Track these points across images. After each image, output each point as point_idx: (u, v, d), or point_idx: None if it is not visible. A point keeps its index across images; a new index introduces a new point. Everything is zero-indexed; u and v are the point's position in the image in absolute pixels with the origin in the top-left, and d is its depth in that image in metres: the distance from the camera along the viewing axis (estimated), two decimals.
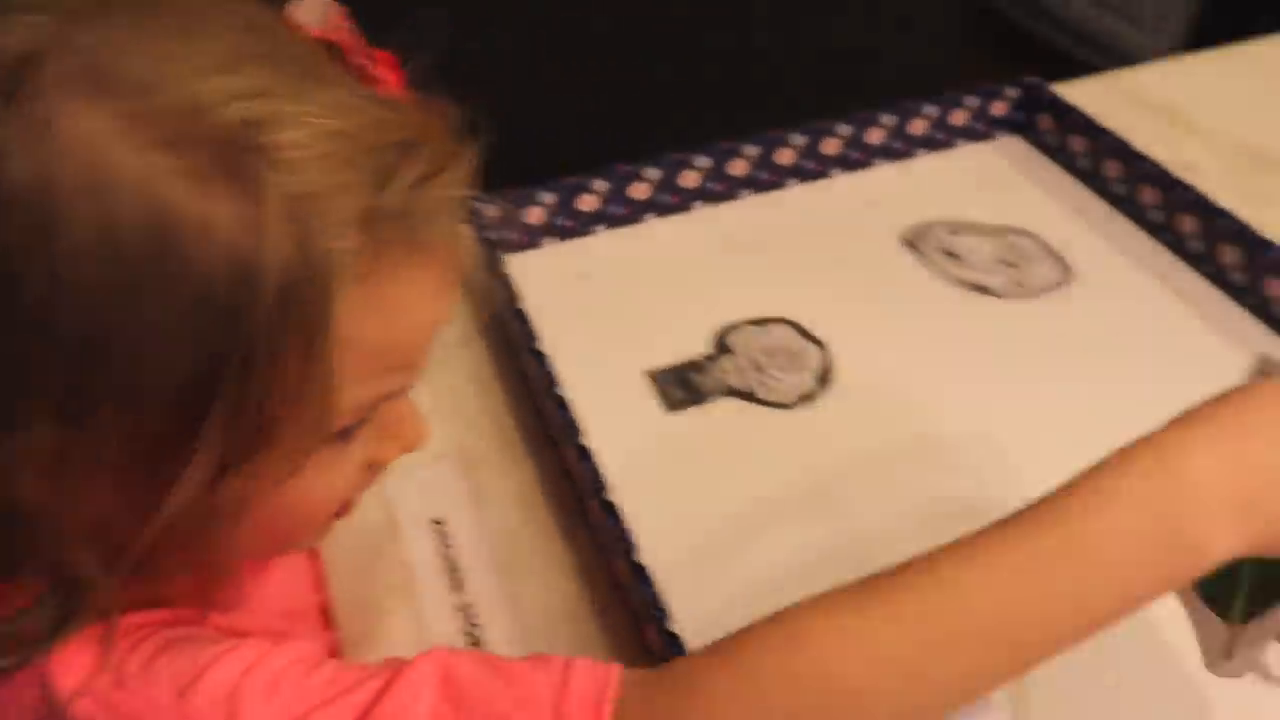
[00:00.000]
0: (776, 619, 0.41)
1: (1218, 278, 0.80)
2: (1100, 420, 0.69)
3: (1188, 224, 0.82)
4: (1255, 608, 0.44)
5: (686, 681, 0.41)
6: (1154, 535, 0.39)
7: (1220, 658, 0.45)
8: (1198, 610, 0.46)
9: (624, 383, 0.73)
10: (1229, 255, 0.79)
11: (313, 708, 0.38)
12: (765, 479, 0.67)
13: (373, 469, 0.45)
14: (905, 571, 0.41)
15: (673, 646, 0.53)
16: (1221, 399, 0.42)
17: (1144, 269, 0.82)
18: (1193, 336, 0.77)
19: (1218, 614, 0.45)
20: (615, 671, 0.41)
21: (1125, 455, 0.41)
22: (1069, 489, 0.40)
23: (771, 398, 0.72)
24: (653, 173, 0.84)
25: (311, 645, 0.41)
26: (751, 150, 0.86)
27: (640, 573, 0.56)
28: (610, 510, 0.59)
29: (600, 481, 0.60)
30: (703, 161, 0.85)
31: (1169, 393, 0.70)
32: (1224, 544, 0.39)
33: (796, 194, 0.89)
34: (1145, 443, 0.41)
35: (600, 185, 0.83)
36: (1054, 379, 0.73)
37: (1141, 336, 0.77)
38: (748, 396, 0.72)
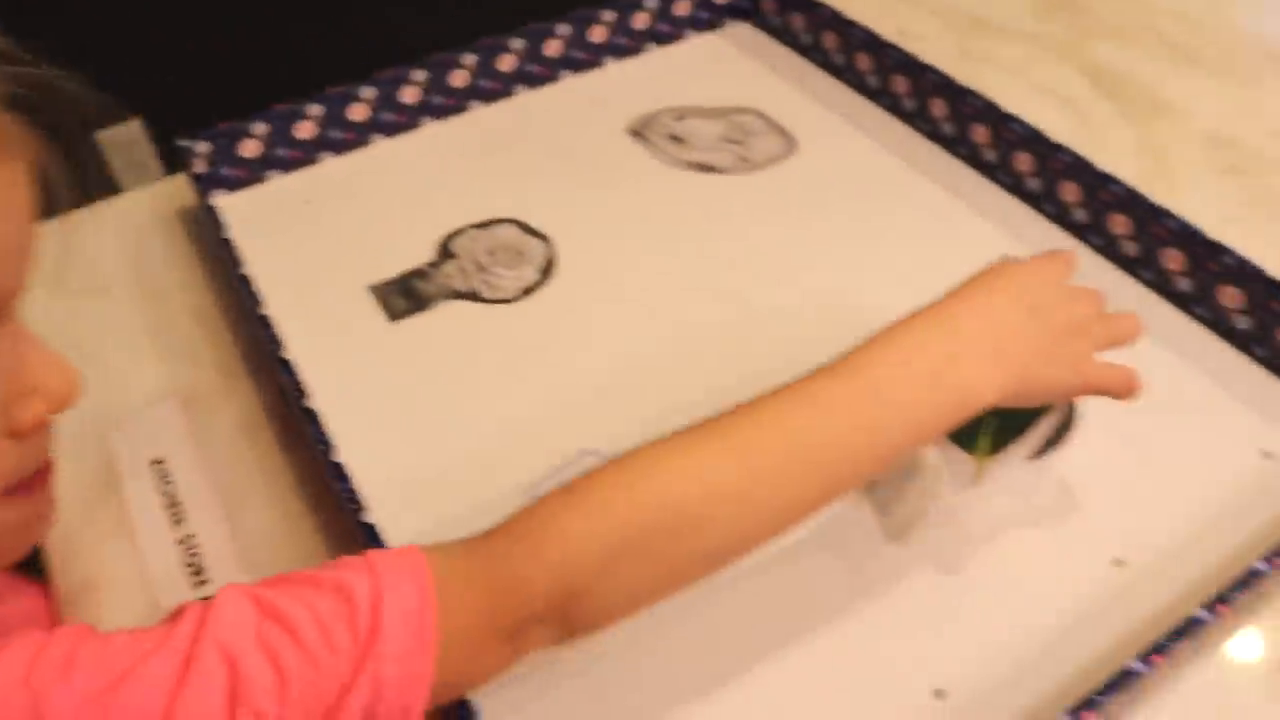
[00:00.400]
0: (621, 462, 0.46)
1: (931, 133, 0.83)
2: (828, 272, 0.72)
3: (900, 84, 0.83)
4: (998, 443, 0.55)
5: (538, 527, 0.44)
6: (935, 377, 0.48)
7: (969, 486, 0.55)
8: (944, 452, 0.54)
9: (347, 299, 0.72)
10: (939, 108, 0.81)
11: (127, 669, 0.36)
12: (487, 371, 0.67)
13: (19, 437, 0.41)
14: (735, 414, 0.47)
15: (374, 542, 0.52)
16: (978, 275, 0.52)
17: (864, 132, 0.84)
18: (910, 187, 0.79)
19: (965, 449, 0.55)
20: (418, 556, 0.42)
21: (911, 318, 0.50)
22: (869, 343, 0.49)
23: (495, 295, 0.72)
24: (369, 92, 0.82)
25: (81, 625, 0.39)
26: (470, 59, 0.85)
27: (337, 471, 0.55)
28: (311, 417, 0.58)
29: (300, 390, 0.59)
30: (420, 76, 0.83)
31: (890, 240, 0.73)
32: (988, 383, 0.48)
33: (523, 99, 0.88)
34: (926, 309, 0.50)
35: (315, 110, 0.81)
36: (780, 243, 0.74)
37: (862, 193, 0.79)
38: (471, 297, 0.72)
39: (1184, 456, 0.61)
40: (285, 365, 0.61)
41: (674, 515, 0.45)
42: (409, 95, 0.84)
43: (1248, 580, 0.50)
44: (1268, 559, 0.50)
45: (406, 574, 0.41)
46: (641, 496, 0.45)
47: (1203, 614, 0.48)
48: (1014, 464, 0.57)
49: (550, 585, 0.43)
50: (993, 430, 0.56)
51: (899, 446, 0.48)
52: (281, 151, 0.81)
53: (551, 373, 0.66)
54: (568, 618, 0.44)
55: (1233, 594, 0.49)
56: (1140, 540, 0.57)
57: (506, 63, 0.86)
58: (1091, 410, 0.57)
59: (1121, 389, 0.53)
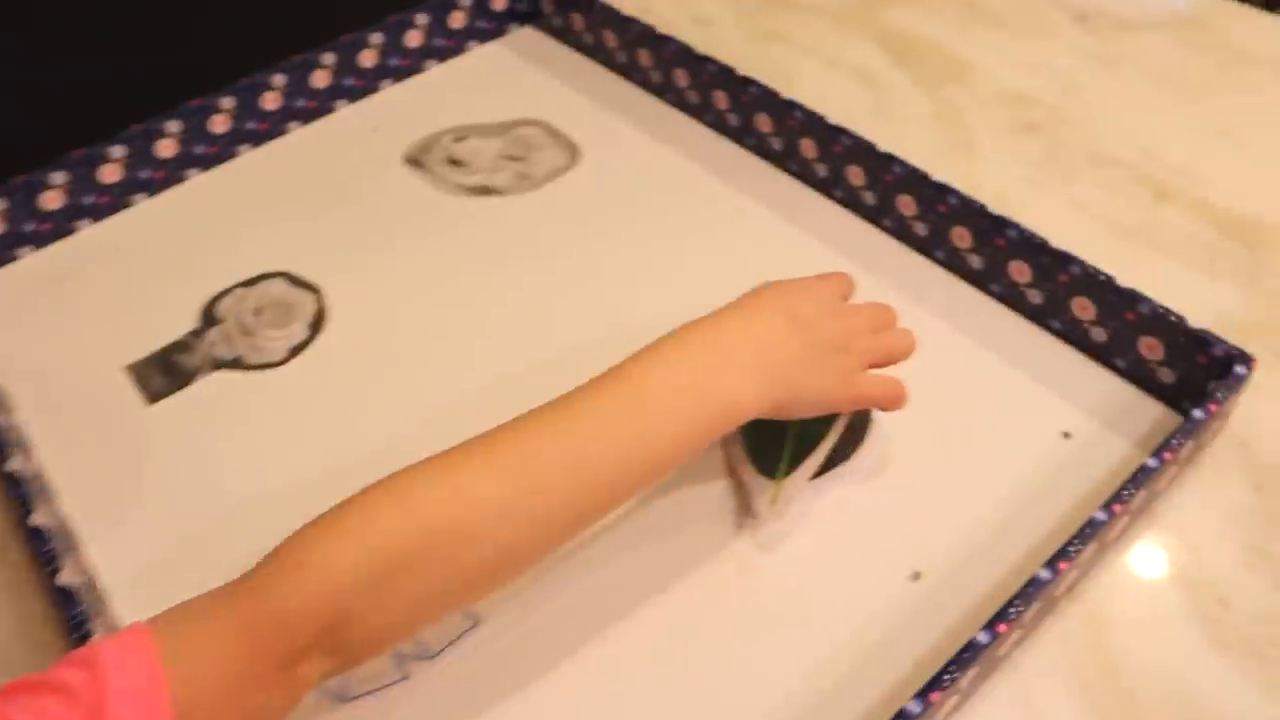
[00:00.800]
0: (383, 482, 0.45)
1: (717, 125, 0.79)
2: (617, 287, 0.69)
3: (681, 78, 0.80)
4: (794, 465, 0.56)
5: (299, 556, 0.43)
6: (697, 388, 0.49)
7: (767, 509, 0.55)
8: (751, 479, 0.56)
9: (101, 385, 0.66)
10: (721, 100, 0.78)
11: None
12: (253, 446, 0.62)
13: None
14: (502, 429, 0.47)
15: None
16: (747, 293, 0.54)
17: (649, 133, 0.80)
18: (697, 185, 0.76)
19: (767, 475, 0.55)
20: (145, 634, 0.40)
21: (678, 331, 0.51)
22: (636, 356, 0.50)
23: (261, 360, 0.67)
24: (119, 150, 0.76)
25: None
26: (230, 101, 0.79)
27: (63, 592, 0.50)
28: (36, 534, 0.53)
29: (26, 506, 0.54)
30: (174, 127, 0.77)
31: (679, 244, 0.70)
32: (748, 393, 0.49)
33: (295, 137, 0.83)
34: (693, 324, 0.51)
35: (60, 177, 0.74)
36: (563, 263, 0.71)
37: (648, 198, 0.75)
38: (236, 365, 0.66)
39: (984, 444, 0.58)
40: (11, 479, 0.56)
41: (439, 534, 0.44)
42: (166, 148, 0.78)
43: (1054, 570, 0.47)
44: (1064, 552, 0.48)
45: (131, 652, 0.39)
46: (404, 516, 0.44)
47: (987, 635, 0.46)
48: (802, 481, 0.56)
49: (317, 614, 0.42)
50: (789, 454, 0.56)
51: (666, 455, 0.49)
52: (28, 226, 0.75)
53: (324, 438, 0.62)
54: (341, 645, 0.43)
55: (1024, 598, 0.46)
56: (937, 551, 0.54)
57: (271, 100, 0.81)
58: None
59: (888, 401, 0.55)
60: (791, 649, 0.51)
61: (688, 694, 0.50)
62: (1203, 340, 0.56)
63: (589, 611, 0.52)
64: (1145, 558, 0.54)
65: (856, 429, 0.58)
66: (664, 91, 0.82)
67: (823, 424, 0.56)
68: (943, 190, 0.65)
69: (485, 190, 0.77)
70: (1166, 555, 0.54)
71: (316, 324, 0.68)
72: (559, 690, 0.50)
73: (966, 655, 0.45)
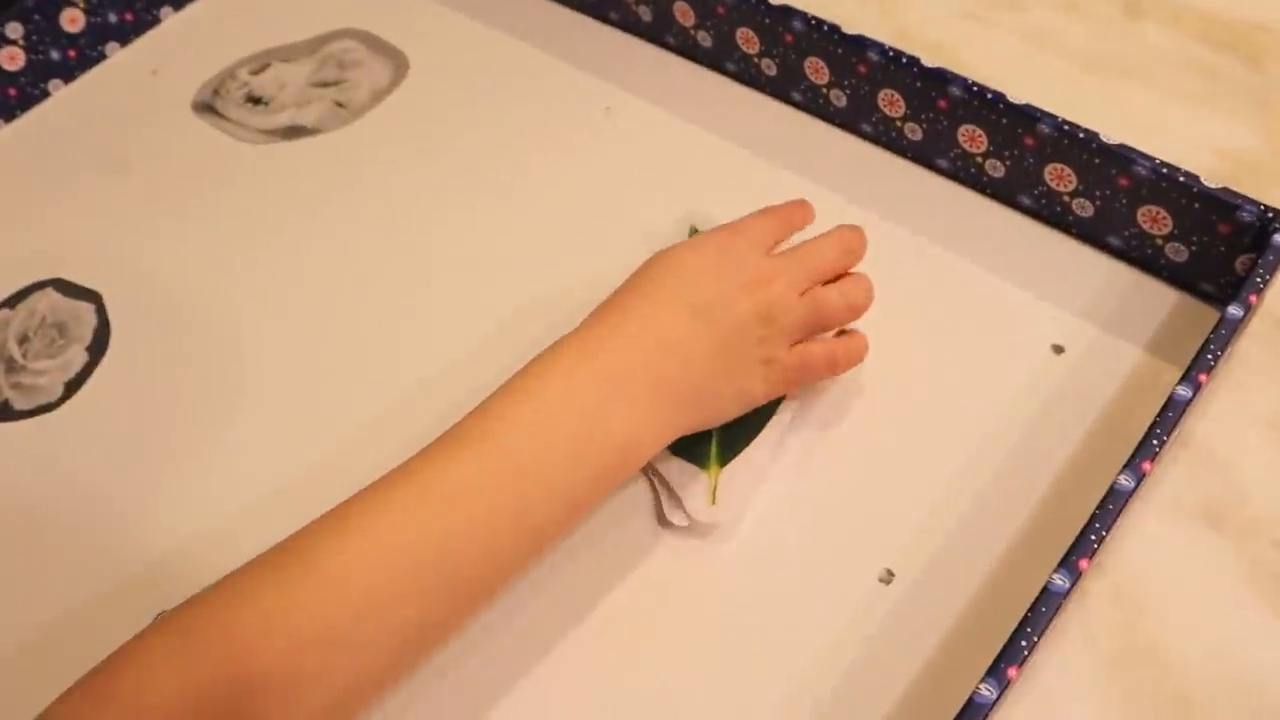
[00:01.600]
0: (156, 630, 0.34)
1: (573, 1, 0.63)
2: (474, 218, 0.54)
3: None
4: (726, 454, 0.43)
5: (111, 673, 0.33)
6: (582, 434, 0.38)
7: (705, 503, 0.42)
8: (678, 471, 0.43)
9: None
10: None
11: None
12: (34, 520, 0.48)
13: None
14: (320, 529, 0.36)
15: None
16: (633, 276, 0.42)
17: (483, 19, 0.64)
18: (553, 74, 0.61)
19: (696, 464, 0.43)
20: None
21: (550, 353, 0.40)
22: (502, 395, 0.39)
23: (32, 403, 0.52)
24: None
25: None
26: None
27: None
28: None
29: None
30: None
31: (543, 147, 0.55)
32: (649, 428, 0.39)
33: (61, 98, 0.66)
34: (570, 338, 0.40)
35: None
36: (403, 205, 0.56)
37: (495, 101, 0.60)
38: (3, 414, 0.52)
39: (945, 382, 0.45)
40: None
41: (253, 682, 0.33)
42: None
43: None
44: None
45: None
46: (203, 666, 0.33)
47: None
48: (756, 465, 0.43)
49: None
50: (717, 439, 0.44)
51: (551, 525, 0.38)
52: None
53: (116, 499, 0.48)
54: None
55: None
56: (908, 550, 0.41)
57: (11, 58, 0.64)
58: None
59: (826, 370, 0.43)
60: (735, 696, 0.38)
61: None
62: (1223, 203, 0.43)
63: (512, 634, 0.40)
64: (1174, 501, 0.41)
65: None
66: None
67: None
68: (861, 45, 0.50)
69: (295, 131, 0.61)
70: (1201, 493, 0.42)
71: (98, 343, 0.54)
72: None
73: None
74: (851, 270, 0.44)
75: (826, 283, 0.43)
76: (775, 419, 0.44)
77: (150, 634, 0.34)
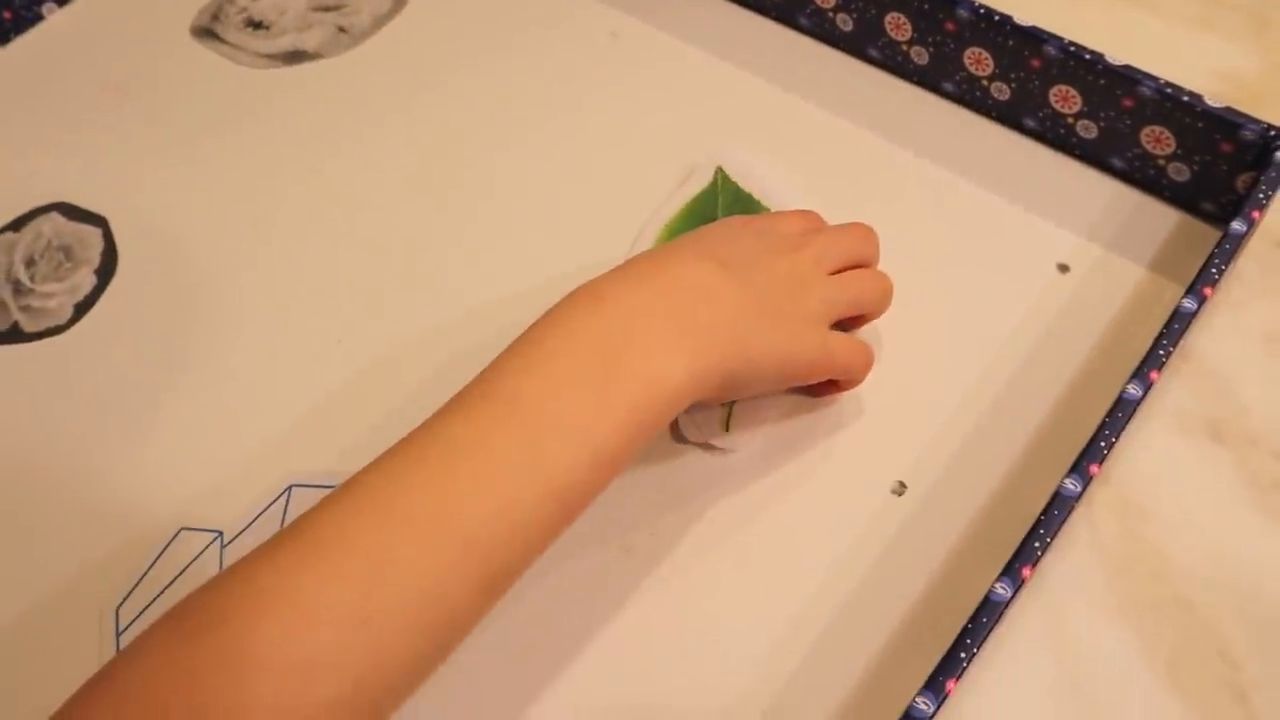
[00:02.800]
0: (175, 610, 0.31)
1: None
2: (482, 148, 0.54)
3: None
4: None
5: (116, 669, 0.31)
6: (599, 375, 0.35)
7: (719, 429, 0.43)
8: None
9: None
10: None
11: None
12: (47, 442, 0.48)
13: None
14: (330, 504, 0.33)
15: None
16: (653, 249, 0.41)
17: None
18: (549, 3, 0.60)
19: None
20: None
21: (561, 303, 0.38)
22: (511, 348, 0.36)
23: (42, 325, 0.52)
24: None
25: None
26: None
27: None
28: None
29: None
30: None
31: (551, 80, 0.56)
32: (676, 367, 0.36)
33: (56, 22, 0.65)
34: (583, 288, 0.38)
35: None
36: (408, 133, 0.56)
37: (501, 30, 0.60)
38: (12, 336, 0.52)
39: (956, 300, 0.46)
40: None
41: (272, 677, 0.30)
42: None
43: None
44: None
45: None
46: (200, 652, 0.30)
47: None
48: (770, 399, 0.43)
49: None
50: None
51: (580, 485, 0.34)
52: None
53: (139, 415, 0.48)
54: None
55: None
56: (925, 455, 0.42)
57: None
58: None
59: (854, 370, 0.42)
60: (759, 607, 0.39)
61: (636, 672, 0.38)
62: (1226, 122, 0.43)
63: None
64: (1177, 415, 0.43)
65: None
66: None
67: None
68: None
69: (296, 55, 0.61)
70: (1203, 407, 0.43)
71: (106, 266, 0.54)
72: (521, 635, 0.39)
73: (984, 620, 0.33)
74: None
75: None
76: None
77: (154, 625, 0.32)
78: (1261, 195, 0.41)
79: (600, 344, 0.36)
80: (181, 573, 0.43)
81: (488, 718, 0.38)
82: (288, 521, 0.41)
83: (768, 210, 0.49)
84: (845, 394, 0.43)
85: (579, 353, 0.35)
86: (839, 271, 0.42)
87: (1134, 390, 0.37)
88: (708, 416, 0.43)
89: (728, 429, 0.43)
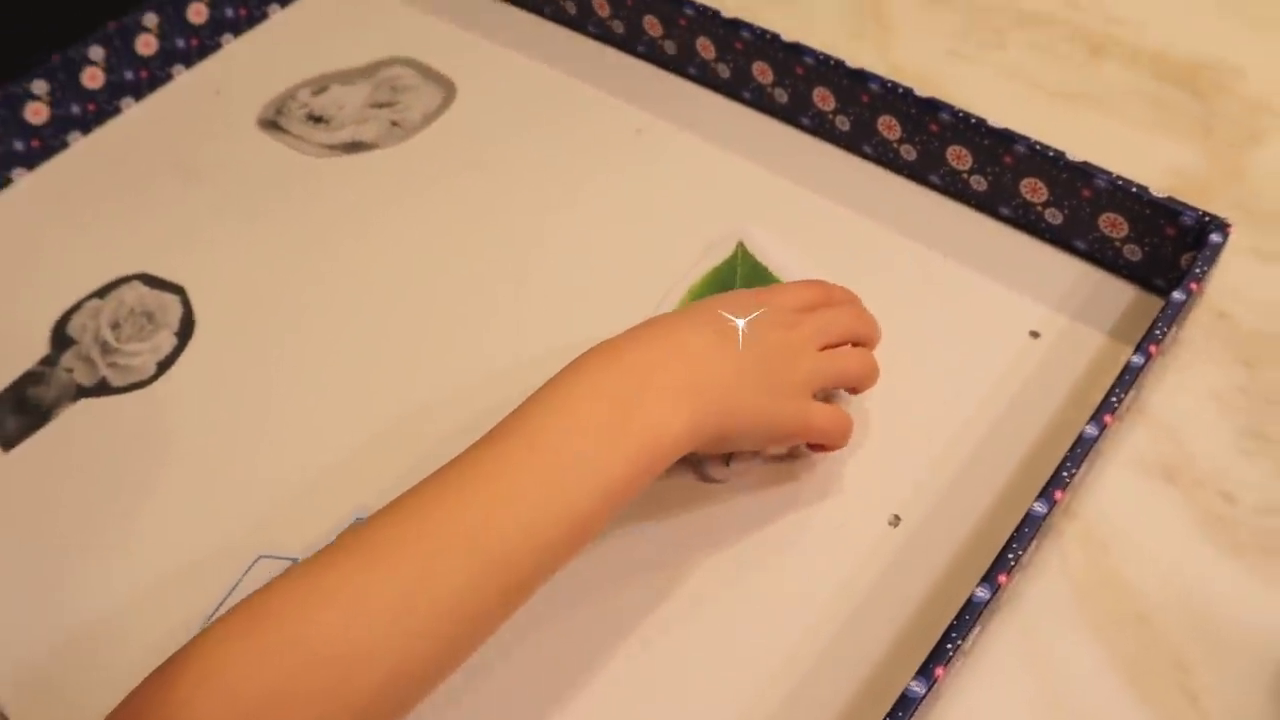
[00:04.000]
0: (236, 612, 0.36)
1: (603, 35, 0.71)
2: (521, 230, 0.61)
3: None
4: None
5: (177, 668, 0.35)
6: (613, 421, 0.40)
7: (720, 465, 0.49)
8: None
9: None
10: (602, 6, 0.69)
11: None
12: (133, 484, 0.54)
13: None
14: (374, 521, 0.38)
15: None
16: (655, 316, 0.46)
17: (531, 55, 0.72)
18: (588, 104, 0.68)
19: None
20: None
21: (583, 357, 0.43)
22: (537, 394, 0.42)
23: (127, 380, 0.58)
24: None
25: None
26: (42, 86, 0.69)
27: None
28: None
29: None
30: None
31: (583, 168, 0.62)
32: (677, 420, 0.41)
33: (131, 115, 0.73)
34: (601, 345, 0.43)
35: None
36: (455, 215, 0.63)
37: (536, 126, 0.67)
38: (100, 390, 0.58)
39: (944, 356, 0.52)
40: None
41: (316, 662, 0.35)
42: None
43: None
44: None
45: None
46: (267, 649, 0.35)
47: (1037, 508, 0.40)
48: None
49: None
50: None
51: (587, 512, 0.39)
52: None
53: (215, 460, 0.54)
54: None
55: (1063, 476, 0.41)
56: (913, 488, 0.48)
57: (93, 77, 0.71)
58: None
59: (834, 438, 0.47)
60: (763, 626, 0.45)
61: (638, 694, 0.44)
62: (1169, 210, 0.51)
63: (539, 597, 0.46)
64: (1135, 460, 0.49)
65: None
66: (539, 6, 0.73)
67: None
68: (862, 77, 0.58)
69: (355, 146, 0.68)
70: (1157, 453, 0.49)
71: (185, 329, 0.60)
72: (529, 656, 0.44)
73: (967, 618, 0.39)
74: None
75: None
76: None
77: (226, 617, 0.36)
78: (1198, 270, 0.48)
79: (614, 395, 0.41)
80: None
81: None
82: None
83: (780, 283, 0.55)
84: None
85: (596, 402, 0.40)
86: (832, 346, 0.47)
87: (1091, 430, 0.43)
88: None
89: (728, 463, 0.49)
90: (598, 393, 0.41)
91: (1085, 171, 0.52)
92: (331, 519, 0.50)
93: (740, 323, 0.44)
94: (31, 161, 0.70)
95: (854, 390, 0.49)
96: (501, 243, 0.61)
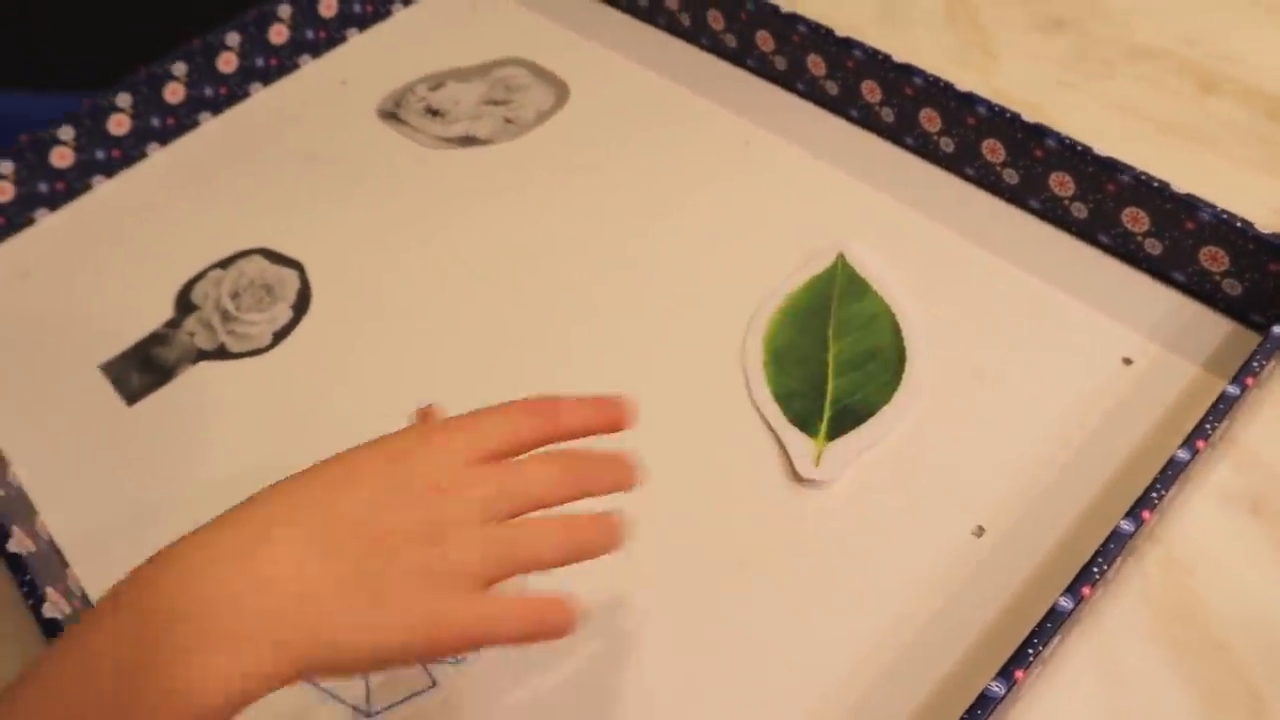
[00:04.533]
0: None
1: (714, 48, 0.73)
2: (622, 231, 0.63)
3: (672, 1, 0.73)
4: (834, 433, 0.52)
5: None
6: (115, 693, 0.30)
7: (811, 465, 0.50)
8: (784, 430, 0.52)
9: (76, 388, 0.61)
10: (716, 19, 0.71)
11: None
12: (247, 444, 0.57)
13: None
14: None
15: None
16: (259, 494, 0.35)
17: (643, 62, 0.74)
18: (698, 114, 0.69)
19: (804, 430, 0.52)
20: None
21: (105, 596, 0.32)
22: (46, 654, 0.31)
23: (244, 347, 0.61)
24: (68, 131, 0.70)
25: None
26: (181, 68, 0.73)
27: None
28: (17, 561, 0.48)
29: (4, 529, 0.49)
30: (125, 101, 0.71)
31: (685, 178, 0.64)
32: (217, 678, 0.30)
33: (258, 100, 0.77)
34: (145, 564, 0.33)
35: (6, 166, 0.69)
36: (562, 210, 0.65)
37: (645, 132, 0.69)
38: (220, 354, 0.61)
39: (1037, 379, 0.53)
40: None
41: None
42: (119, 125, 0.72)
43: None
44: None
45: None
46: None
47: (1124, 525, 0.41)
48: (854, 450, 0.51)
49: None
50: (831, 415, 0.52)
51: None
52: None
53: (321, 425, 0.57)
54: None
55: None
56: (999, 502, 0.49)
57: (227, 62, 0.75)
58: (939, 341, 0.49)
59: (524, 636, 0.34)
60: (848, 620, 0.46)
61: (732, 675, 0.45)
62: (1273, 246, 0.51)
63: (624, 587, 0.48)
64: (1223, 490, 0.49)
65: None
66: (654, 16, 0.76)
67: (877, 376, 0.53)
68: (970, 100, 0.59)
69: (469, 140, 0.71)
70: (1244, 485, 0.49)
71: (301, 303, 0.63)
72: (595, 667, 0.46)
73: (1049, 625, 0.40)
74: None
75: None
76: (887, 408, 0.52)
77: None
78: None
79: (125, 655, 0.30)
80: None
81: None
82: None
83: (878, 298, 0.56)
84: (934, 447, 0.51)
85: (98, 670, 0.30)
86: (525, 512, 0.35)
87: (1183, 454, 0.44)
88: (800, 452, 0.51)
89: (818, 464, 0.50)
90: (101, 658, 0.30)
91: (1189, 204, 0.53)
92: None
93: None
94: (165, 138, 0.74)
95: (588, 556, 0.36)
96: (606, 243, 0.63)
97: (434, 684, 0.46)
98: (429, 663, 0.46)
